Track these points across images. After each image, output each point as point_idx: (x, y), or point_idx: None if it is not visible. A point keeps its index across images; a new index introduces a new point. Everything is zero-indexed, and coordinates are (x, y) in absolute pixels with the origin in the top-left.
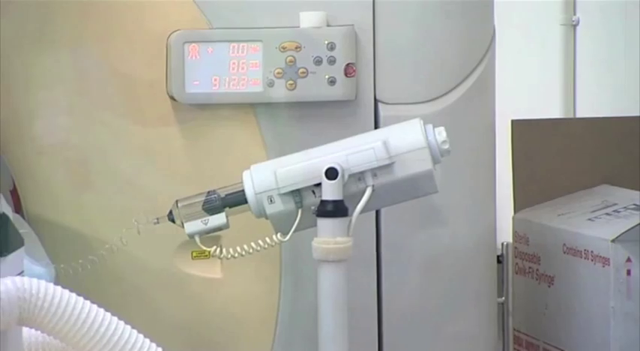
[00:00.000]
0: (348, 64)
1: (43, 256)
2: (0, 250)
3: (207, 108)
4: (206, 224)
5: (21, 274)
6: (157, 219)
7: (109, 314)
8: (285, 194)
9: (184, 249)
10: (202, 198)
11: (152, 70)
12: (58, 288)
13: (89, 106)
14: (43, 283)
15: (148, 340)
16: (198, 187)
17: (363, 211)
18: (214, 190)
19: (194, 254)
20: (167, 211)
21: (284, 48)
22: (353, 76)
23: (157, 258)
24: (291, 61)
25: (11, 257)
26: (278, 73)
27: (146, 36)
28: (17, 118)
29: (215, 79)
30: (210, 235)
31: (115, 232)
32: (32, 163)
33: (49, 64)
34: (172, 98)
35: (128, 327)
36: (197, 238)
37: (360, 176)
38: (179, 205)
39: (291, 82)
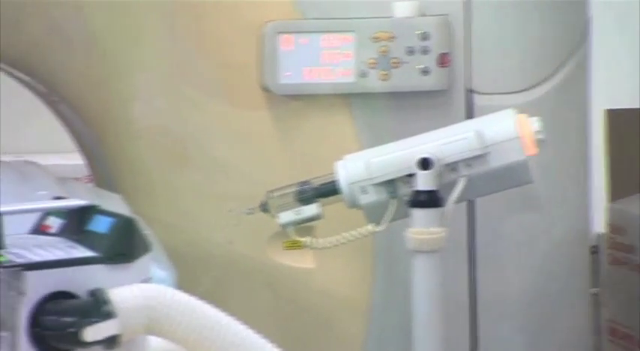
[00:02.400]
0: (442, 54)
1: (164, 259)
2: (127, 255)
3: (300, 98)
4: (299, 215)
5: (148, 280)
6: (251, 209)
7: (238, 323)
8: (378, 184)
9: (276, 239)
10: (295, 188)
11: (246, 60)
12: (186, 296)
13: (187, 92)
14: (171, 290)
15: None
16: (291, 177)
17: (457, 201)
18: (307, 181)
19: (286, 245)
20: (260, 202)
21: (377, 38)
22: (447, 66)
23: (250, 248)
24: (384, 52)
25: (138, 263)
26: (371, 63)
27: (240, 26)
28: (115, 103)
29: (307, 70)
30: (303, 226)
31: (208, 219)
32: (129, 147)
33: (147, 51)
34: (265, 89)
35: (257, 336)
36: (290, 229)
37: (453, 166)
38: (272, 195)
39: (383, 72)
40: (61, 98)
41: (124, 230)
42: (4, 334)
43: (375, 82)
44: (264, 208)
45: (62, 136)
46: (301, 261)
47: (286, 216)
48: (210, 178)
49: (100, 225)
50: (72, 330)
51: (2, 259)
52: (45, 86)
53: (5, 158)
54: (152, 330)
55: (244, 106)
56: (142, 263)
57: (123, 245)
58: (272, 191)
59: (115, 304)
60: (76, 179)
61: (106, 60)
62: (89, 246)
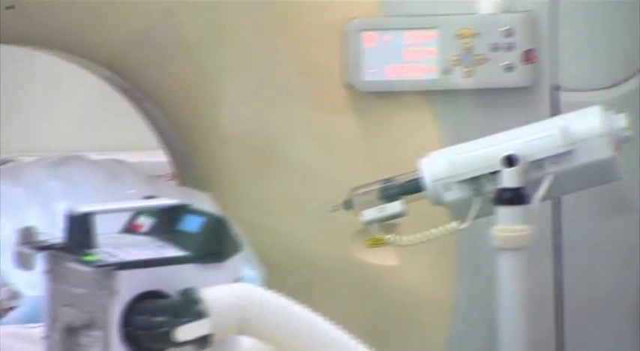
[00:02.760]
0: (527, 51)
1: (252, 258)
2: (218, 255)
3: (383, 96)
4: (382, 212)
5: (239, 280)
6: (334, 207)
7: (328, 323)
8: (462, 182)
9: (359, 237)
10: (379, 186)
11: (329, 59)
12: (276, 295)
13: (272, 95)
14: (261, 290)
15: None
16: (375, 174)
17: (543, 198)
18: (391, 178)
19: (369, 242)
20: (343, 199)
21: (461, 35)
22: (533, 63)
23: (333, 246)
24: (467, 48)
25: (229, 263)
26: (454, 60)
27: (323, 24)
28: (204, 107)
29: (391, 67)
30: (386, 223)
31: (293, 219)
32: (216, 149)
33: (235, 56)
34: (349, 86)
35: (347, 336)
36: (374, 226)
37: (538, 164)
38: (355, 193)
39: (467, 69)
40: (146, 96)
41: (215, 229)
42: (96, 333)
43: (458, 79)
44: (348, 205)
45: (145, 133)
46: (385, 258)
47: (370, 213)
48: (295, 179)
49: (191, 224)
50: (163, 330)
51: (94, 258)
52: (133, 87)
53: (92, 156)
54: (243, 330)
55: (328, 105)
56: (233, 263)
57: (214, 245)
58: (356, 189)
59: (206, 303)
60: (158, 177)
61: (195, 64)
62: (180, 245)
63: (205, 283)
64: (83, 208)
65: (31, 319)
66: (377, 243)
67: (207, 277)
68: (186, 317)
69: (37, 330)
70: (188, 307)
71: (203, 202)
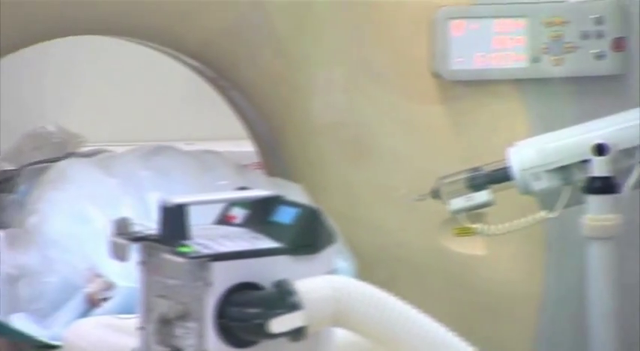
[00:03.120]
0: (617, 38)
1: (344, 249)
2: (312, 247)
3: (471, 84)
4: (470, 201)
5: (333, 272)
6: (422, 196)
7: (423, 315)
8: (551, 171)
9: (447, 226)
10: (466, 175)
11: (418, 48)
12: (371, 287)
13: (362, 85)
14: (356, 281)
15: (462, 343)
16: (462, 163)
17: (633, 187)
18: (478, 167)
19: (456, 231)
20: (431, 188)
21: (550, 23)
22: (623, 51)
23: (420, 235)
24: (557, 36)
25: (323, 254)
26: (543, 48)
27: (412, 13)
28: (295, 98)
29: (479, 56)
30: (474, 212)
31: (382, 209)
32: (307, 140)
33: (325, 46)
34: (436, 75)
35: (443, 329)
36: (461, 215)
37: (629, 152)
38: (443, 182)
39: (556, 57)
40: (232, 85)
41: (309, 221)
42: (191, 324)
43: (548, 68)
44: (436, 194)
45: (231, 122)
46: (472, 248)
47: (457, 202)
48: (383, 168)
49: (285, 216)
50: (258, 321)
51: (189, 249)
52: (219, 76)
53: (180, 146)
54: (338, 322)
55: (416, 95)
56: (327, 255)
57: (308, 236)
58: (443, 178)
59: (301, 295)
60: (245, 166)
61: (284, 54)
62: (274, 237)
63: (299, 275)
64: (177, 200)
65: (124, 309)
66: (464, 232)
67: (301, 269)
68: (281, 309)
69: (132, 321)
70: (282, 298)
71: (294, 193)
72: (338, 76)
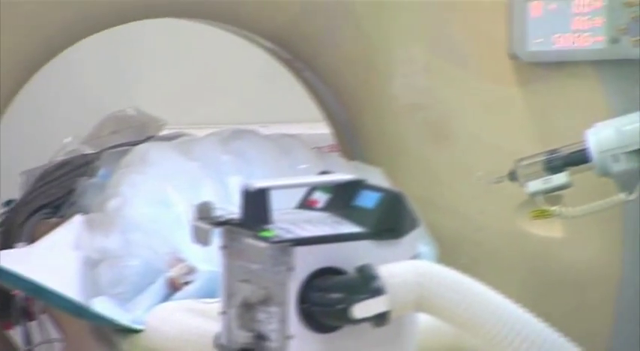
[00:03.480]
0: None
1: (425, 234)
2: (395, 231)
3: (549, 66)
4: (547, 183)
5: (416, 257)
6: (499, 178)
7: (508, 301)
8: (630, 153)
9: (524, 208)
10: (544, 157)
11: (496, 29)
12: (454, 272)
13: (442, 66)
14: (440, 267)
15: (548, 329)
16: (540, 145)
17: None
18: (556, 149)
19: (534, 214)
20: (509, 170)
21: (629, 3)
22: None
23: (497, 217)
24: (636, 17)
25: (406, 239)
26: (622, 29)
27: None
28: (371, 80)
29: (557, 37)
30: (551, 194)
31: (461, 191)
32: (385, 124)
33: (404, 27)
34: (514, 57)
35: (528, 315)
36: (539, 198)
37: None
38: (521, 164)
39: (636, 38)
40: (307, 67)
41: (392, 205)
42: (273, 309)
43: (627, 49)
44: (513, 176)
45: (305, 105)
46: (550, 230)
47: (535, 185)
48: (462, 151)
49: (368, 200)
50: (340, 306)
51: (271, 234)
52: (294, 58)
53: (258, 129)
54: (421, 307)
55: (495, 76)
56: (410, 239)
57: (391, 221)
58: (521, 160)
59: (384, 280)
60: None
61: (363, 35)
62: (356, 221)
63: (382, 259)
64: (259, 184)
65: (205, 293)
66: (542, 215)
67: (384, 254)
68: (364, 294)
69: (214, 305)
70: (365, 283)
71: (375, 176)
72: (417, 57)
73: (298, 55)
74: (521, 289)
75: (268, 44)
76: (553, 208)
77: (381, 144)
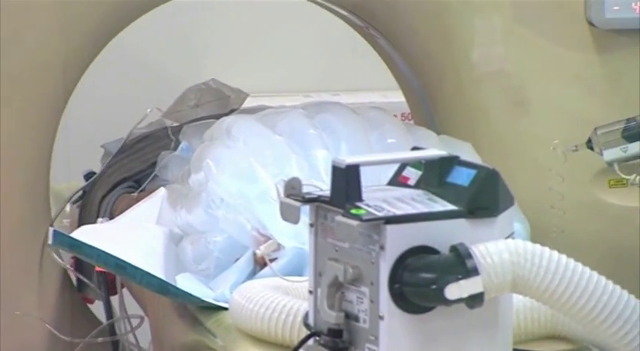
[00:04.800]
0: None
1: (517, 211)
2: (491, 209)
3: (627, 33)
4: (625, 152)
5: (511, 236)
6: (576, 146)
7: (609, 281)
8: None
9: (601, 177)
10: (622, 125)
11: None
12: (550, 251)
13: (520, 33)
14: (537, 246)
15: None
16: (618, 113)
17: None
18: (634, 118)
19: (611, 182)
20: (586, 139)
21: None
22: None
23: (575, 185)
24: None
25: (501, 218)
26: None
27: None
28: (451, 48)
29: (636, 4)
30: (628, 163)
31: (538, 160)
32: (461, 92)
33: None
34: (591, 24)
35: (625, 292)
36: (616, 166)
37: None
38: (598, 132)
39: None
40: (381, 34)
41: (487, 183)
42: (363, 288)
43: None
44: (590, 145)
45: (378, 73)
46: (627, 199)
47: (611, 153)
48: (540, 119)
49: (461, 177)
50: (433, 287)
51: (362, 212)
52: (368, 25)
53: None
54: (517, 288)
55: (572, 43)
56: (505, 217)
57: (486, 199)
58: (598, 128)
59: (478, 260)
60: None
61: (442, 4)
62: (449, 199)
63: (476, 239)
64: (350, 160)
65: (291, 271)
66: (619, 183)
67: (479, 233)
68: (458, 274)
69: (302, 284)
70: (459, 263)
71: (465, 151)
72: (496, 25)
73: (373, 23)
74: (596, 258)
75: (343, 11)
76: (630, 176)
77: (458, 112)
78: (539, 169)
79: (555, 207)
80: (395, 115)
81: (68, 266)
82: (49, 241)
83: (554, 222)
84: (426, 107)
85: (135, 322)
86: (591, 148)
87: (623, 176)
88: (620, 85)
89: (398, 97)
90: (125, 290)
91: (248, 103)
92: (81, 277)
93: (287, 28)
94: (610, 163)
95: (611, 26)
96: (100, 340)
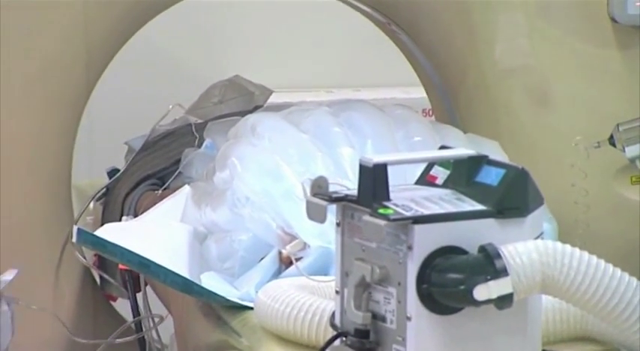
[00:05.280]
0: None
1: (545, 209)
2: (520, 209)
3: None
4: None
5: (541, 236)
6: (598, 143)
7: (635, 280)
8: None
9: (624, 173)
10: None
11: None
12: (582, 252)
13: (543, 29)
14: (566, 247)
15: None
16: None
17: None
18: None
19: (633, 179)
20: (608, 134)
21: None
22: None
23: (597, 182)
24: None
25: (531, 217)
26: None
27: None
28: (473, 44)
29: None
30: None
31: (559, 156)
32: (483, 88)
33: None
34: (613, 20)
35: None
36: (638, 163)
37: None
38: (620, 128)
39: None
40: (402, 30)
41: (517, 182)
42: (391, 289)
43: None
44: (612, 141)
45: (397, 69)
46: None
47: (633, 150)
48: (562, 114)
49: (490, 176)
50: (462, 288)
51: (389, 211)
52: (389, 21)
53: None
54: (547, 288)
55: (594, 39)
56: (535, 218)
57: (515, 198)
58: (621, 124)
59: (507, 260)
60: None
61: (464, 1)
62: (478, 199)
63: (505, 239)
64: (377, 159)
65: (316, 270)
66: None
67: (508, 233)
68: (486, 275)
69: (328, 283)
70: (488, 264)
71: (492, 149)
72: (519, 21)
73: (395, 19)
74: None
75: (365, 7)
76: None
77: (480, 108)
78: (562, 165)
79: (579, 203)
80: (416, 111)
81: (90, 264)
82: (73, 239)
83: (580, 218)
84: (448, 103)
85: (157, 319)
86: (613, 145)
87: None
88: None
89: (419, 93)
90: (148, 288)
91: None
92: (104, 275)
93: (309, 23)
94: (632, 160)
95: (634, 22)
96: (117, 340)
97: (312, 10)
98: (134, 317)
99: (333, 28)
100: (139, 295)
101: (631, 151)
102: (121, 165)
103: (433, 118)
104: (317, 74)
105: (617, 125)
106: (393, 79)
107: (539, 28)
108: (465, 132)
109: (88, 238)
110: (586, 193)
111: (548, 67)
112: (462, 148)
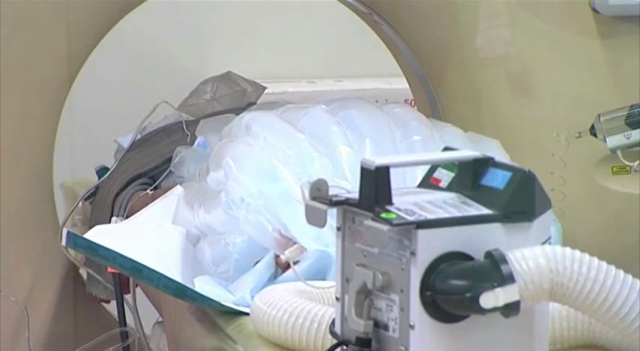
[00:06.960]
0: None
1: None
2: (527, 214)
3: (630, 20)
4: (629, 139)
5: (548, 241)
6: (579, 133)
7: None
8: None
9: (605, 164)
10: (625, 112)
11: None
12: (592, 258)
13: (524, 18)
14: (575, 252)
15: None
16: (620, 100)
17: None
18: (638, 104)
19: (614, 169)
20: (589, 123)
21: None
22: None
23: (578, 172)
24: None
25: (538, 222)
26: None
27: None
28: (455, 34)
29: None
30: (632, 150)
31: (541, 145)
32: (464, 78)
33: None
34: (595, 10)
35: None
36: (619, 153)
37: None
38: (601, 119)
39: None
40: (384, 20)
41: (523, 186)
42: (394, 296)
43: None
44: (593, 131)
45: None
46: (629, 186)
47: (615, 140)
48: (543, 104)
49: (496, 179)
50: (467, 295)
51: (392, 216)
52: (371, 11)
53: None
54: (555, 295)
55: (576, 29)
56: (542, 221)
57: (522, 202)
58: (602, 114)
59: (514, 266)
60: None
61: None
62: (484, 203)
63: (512, 244)
64: (379, 161)
65: (313, 275)
66: (622, 170)
67: (515, 238)
68: (493, 282)
69: (327, 290)
70: (494, 270)
71: (492, 148)
72: (500, 10)
73: (377, 10)
74: (599, 245)
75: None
76: (633, 163)
77: (462, 98)
78: (543, 154)
79: (555, 190)
80: (398, 102)
81: (82, 264)
82: (63, 242)
83: (555, 205)
84: (430, 93)
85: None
86: (595, 135)
87: (627, 163)
88: (623, 72)
89: (401, 84)
90: (138, 290)
91: None
92: (95, 275)
93: (290, 14)
94: (613, 150)
95: (615, 13)
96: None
97: (294, 0)
98: (119, 321)
99: (315, 19)
100: (128, 297)
101: (612, 141)
102: (104, 163)
103: (415, 108)
104: (299, 65)
105: (599, 115)
106: (375, 70)
107: (520, 17)
108: (445, 121)
109: (78, 242)
110: (564, 182)
111: (530, 57)
112: (463, 147)
